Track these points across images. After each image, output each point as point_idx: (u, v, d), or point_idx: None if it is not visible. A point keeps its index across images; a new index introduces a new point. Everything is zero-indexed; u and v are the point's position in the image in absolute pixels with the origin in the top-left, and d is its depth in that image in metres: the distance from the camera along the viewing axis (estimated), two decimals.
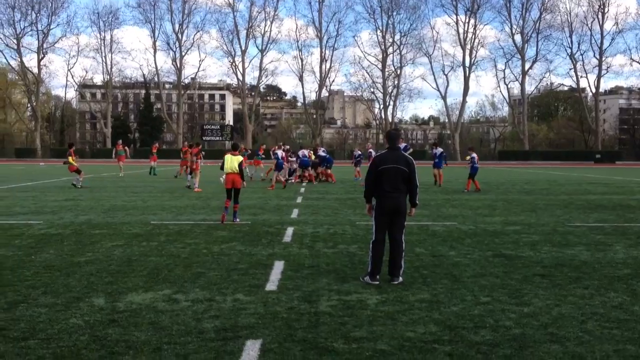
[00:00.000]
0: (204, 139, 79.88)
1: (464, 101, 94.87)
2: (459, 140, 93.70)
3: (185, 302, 6.55)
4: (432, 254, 9.63)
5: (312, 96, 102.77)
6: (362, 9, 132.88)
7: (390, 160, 7.72)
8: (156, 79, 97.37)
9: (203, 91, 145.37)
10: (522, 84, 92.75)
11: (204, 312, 6.13)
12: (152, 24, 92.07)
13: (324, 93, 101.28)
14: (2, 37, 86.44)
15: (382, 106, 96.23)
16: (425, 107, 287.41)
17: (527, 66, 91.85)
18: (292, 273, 8.10)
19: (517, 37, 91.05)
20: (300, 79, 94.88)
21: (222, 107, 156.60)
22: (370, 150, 35.05)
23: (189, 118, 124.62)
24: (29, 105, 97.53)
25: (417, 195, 7.98)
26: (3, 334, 5.42)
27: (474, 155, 24.59)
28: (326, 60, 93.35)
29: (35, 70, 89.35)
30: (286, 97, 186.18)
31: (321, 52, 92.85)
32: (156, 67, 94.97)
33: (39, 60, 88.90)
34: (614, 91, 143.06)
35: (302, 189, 24.22)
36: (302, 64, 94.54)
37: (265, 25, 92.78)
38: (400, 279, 7.63)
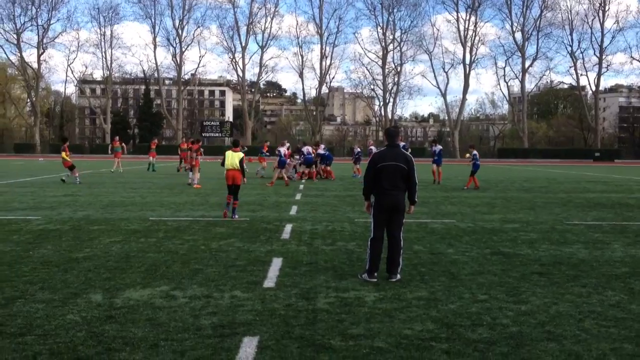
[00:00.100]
0: (203, 135, 79.84)
1: (463, 99, 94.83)
2: (459, 138, 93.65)
3: (183, 298, 6.55)
4: (430, 252, 9.63)
5: (312, 93, 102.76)
6: (363, 6, 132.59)
7: (389, 157, 7.71)
8: (156, 74, 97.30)
9: (203, 87, 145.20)
10: (522, 82, 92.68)
11: (202, 309, 6.13)
12: (153, 20, 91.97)
13: (324, 90, 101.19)
14: (2, 32, 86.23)
15: (382, 103, 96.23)
16: (425, 105, 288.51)
17: (527, 64, 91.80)
18: (290, 270, 8.10)
19: (518, 35, 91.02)
20: (301, 75, 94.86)
21: (222, 104, 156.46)
22: (372, 147, 34.96)
23: (188, 114, 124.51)
24: (28, 100, 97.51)
25: (416, 193, 7.97)
26: (0, 329, 5.42)
27: (476, 152, 24.59)
28: (326, 57, 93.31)
29: (35, 66, 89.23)
30: (286, 94, 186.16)
31: (321, 48, 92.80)
32: (156, 63, 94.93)
33: (39, 56, 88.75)
34: (614, 89, 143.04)
35: (301, 186, 24.22)
36: (302, 61, 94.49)
37: (266, 22, 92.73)
38: (398, 276, 7.63)
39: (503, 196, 20.61)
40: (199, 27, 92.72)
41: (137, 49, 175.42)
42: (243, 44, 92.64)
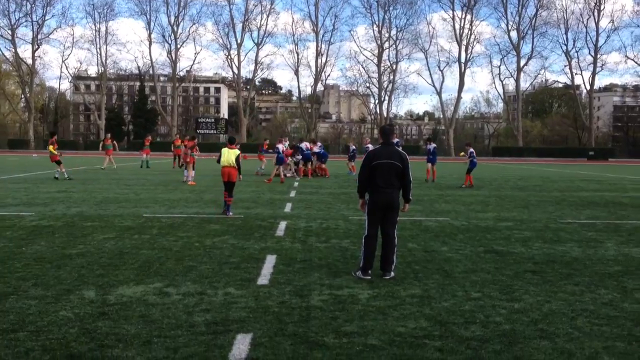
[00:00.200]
0: (198, 132, 79.79)
1: (459, 97, 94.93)
2: (454, 136, 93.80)
3: (177, 295, 6.54)
4: (424, 249, 9.64)
5: (308, 90, 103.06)
6: (359, 4, 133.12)
7: (384, 155, 7.72)
8: (151, 71, 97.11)
9: (198, 84, 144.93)
10: (517, 81, 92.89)
11: (195, 306, 6.12)
12: (148, 16, 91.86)
13: (320, 87, 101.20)
14: None
15: (377, 101, 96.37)
16: (421, 103, 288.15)
17: (522, 63, 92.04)
18: (284, 267, 8.10)
19: (513, 34, 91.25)
20: (296, 73, 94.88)
21: (217, 101, 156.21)
22: (368, 145, 34.92)
23: (183, 111, 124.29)
24: (22, 96, 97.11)
25: (411, 191, 7.97)
26: None
27: (472, 150, 24.64)
28: (322, 55, 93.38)
29: (30, 61, 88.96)
30: (281, 91, 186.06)
31: (317, 46, 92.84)
32: (151, 60, 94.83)
33: (34, 51, 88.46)
34: (608, 89, 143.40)
35: (296, 184, 24.21)
36: (297, 58, 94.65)
37: (262, 19, 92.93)
38: (392, 274, 7.63)
39: (497, 194, 20.64)
40: (194, 23, 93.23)
41: (132, 46, 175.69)
42: (238, 41, 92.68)
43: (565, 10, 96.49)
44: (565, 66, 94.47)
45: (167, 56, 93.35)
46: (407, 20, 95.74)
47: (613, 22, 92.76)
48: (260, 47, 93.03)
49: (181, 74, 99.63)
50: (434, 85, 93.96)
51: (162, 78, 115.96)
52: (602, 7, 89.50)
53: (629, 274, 8.13)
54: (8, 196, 17.00)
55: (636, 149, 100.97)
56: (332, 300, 6.45)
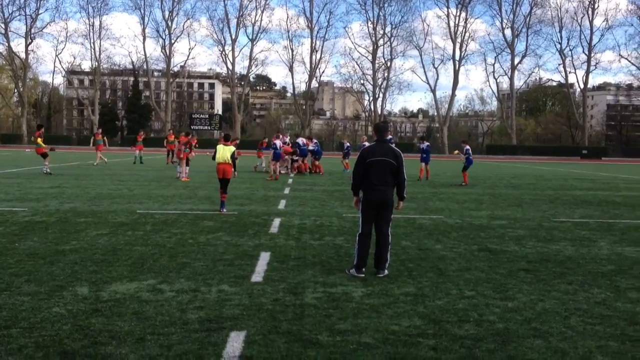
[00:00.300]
0: (192, 128, 79.55)
1: (453, 95, 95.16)
2: (448, 134, 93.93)
3: (170, 292, 6.52)
4: (418, 247, 9.64)
5: (302, 87, 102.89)
6: (354, 0, 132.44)
7: (378, 152, 7.71)
8: (145, 66, 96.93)
9: (192, 80, 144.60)
10: (511, 79, 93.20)
11: (189, 303, 6.10)
12: (142, 11, 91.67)
13: (314, 84, 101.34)
14: None
15: (371, 98, 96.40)
16: (415, 100, 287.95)
17: (516, 61, 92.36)
18: (278, 264, 8.09)
19: (507, 32, 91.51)
20: (290, 69, 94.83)
21: (211, 96, 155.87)
22: (365, 143, 34.93)
23: (177, 106, 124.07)
24: (15, 90, 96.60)
25: (405, 189, 7.97)
26: None
27: (468, 147, 24.67)
28: (316, 51, 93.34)
29: (23, 56, 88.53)
30: (276, 88, 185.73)
31: (312, 42, 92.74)
32: (145, 55, 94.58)
33: (27, 46, 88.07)
34: (602, 87, 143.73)
35: (290, 180, 24.19)
36: (292, 54, 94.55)
37: (256, 15, 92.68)
38: (386, 272, 7.63)
39: (491, 193, 20.68)
40: (188, 18, 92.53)
41: (126, 40, 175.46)
42: (233, 37, 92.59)
43: (560, 8, 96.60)
44: (559, 64, 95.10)
45: (161, 51, 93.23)
46: (401, 17, 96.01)
47: (607, 20, 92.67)
48: (254, 43, 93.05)
49: (175, 69, 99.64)
50: (428, 83, 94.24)
51: (156, 73, 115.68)
52: (596, 5, 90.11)
53: (622, 273, 8.16)
54: (1, 191, 16.92)
55: (629, 148, 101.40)
56: (326, 298, 6.44)
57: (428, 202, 17.01)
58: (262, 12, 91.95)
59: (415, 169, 27.57)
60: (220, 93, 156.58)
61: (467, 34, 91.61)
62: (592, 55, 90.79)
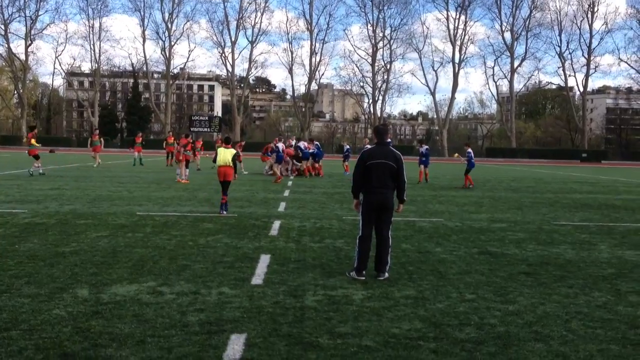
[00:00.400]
0: (192, 130, 79.47)
1: (452, 97, 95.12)
2: (447, 137, 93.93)
3: (170, 294, 6.51)
4: (418, 250, 9.64)
5: (302, 89, 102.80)
6: (353, 3, 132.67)
7: (378, 155, 7.70)
8: (145, 68, 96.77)
9: (192, 82, 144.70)
10: (511, 82, 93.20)
11: (189, 305, 6.09)
12: (142, 13, 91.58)
13: (314, 86, 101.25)
14: None
15: (371, 101, 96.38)
16: (414, 103, 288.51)
17: (516, 64, 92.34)
18: (278, 267, 8.08)
19: (507, 35, 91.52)
20: (290, 71, 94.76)
21: (211, 98, 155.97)
22: (367, 146, 34.86)
23: (177, 108, 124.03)
24: (15, 92, 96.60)
25: (405, 191, 7.96)
26: None
27: (470, 150, 24.64)
28: (316, 54, 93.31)
29: (23, 57, 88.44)
30: (275, 90, 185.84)
31: (311, 45, 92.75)
32: (145, 57, 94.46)
33: (27, 47, 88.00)
34: (602, 90, 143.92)
35: (290, 183, 24.19)
36: (292, 57, 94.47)
37: (256, 17, 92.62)
38: (386, 274, 7.63)
39: (491, 195, 20.68)
40: (188, 20, 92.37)
41: (126, 42, 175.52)
42: (233, 39, 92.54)
43: (559, 11, 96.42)
44: (558, 68, 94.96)
45: (161, 53, 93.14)
46: (401, 20, 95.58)
47: (607, 24, 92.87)
48: (254, 45, 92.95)
49: (175, 71, 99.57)
50: (427, 86, 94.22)
51: (155, 75, 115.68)
52: (595, 9, 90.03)
53: (622, 276, 8.15)
54: (0, 193, 16.91)
55: (629, 151, 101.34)
56: (326, 301, 6.43)
57: (428, 204, 17.00)
58: (262, 14, 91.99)
59: (414, 172, 27.57)
60: (219, 95, 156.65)
61: (466, 37, 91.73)
62: (592, 58, 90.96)
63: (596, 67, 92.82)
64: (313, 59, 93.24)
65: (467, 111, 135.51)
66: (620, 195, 22.60)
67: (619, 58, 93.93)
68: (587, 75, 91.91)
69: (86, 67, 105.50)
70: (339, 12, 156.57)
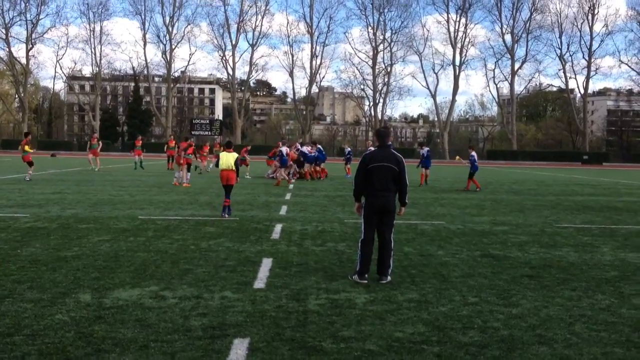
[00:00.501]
0: (193, 133, 79.50)
1: (453, 100, 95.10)
2: (448, 139, 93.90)
3: (173, 299, 6.50)
4: (420, 253, 9.62)
5: (302, 92, 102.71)
6: (354, 5, 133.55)
7: (380, 158, 7.70)
8: (146, 71, 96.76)
9: (193, 85, 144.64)
10: (512, 84, 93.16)
11: (192, 310, 6.08)
12: (143, 16, 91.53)
13: (314, 89, 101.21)
14: None
15: (371, 103, 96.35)
16: (415, 105, 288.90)
17: (516, 66, 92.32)
18: (280, 271, 8.07)
19: (507, 37, 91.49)
20: (291, 74, 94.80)
21: (212, 102, 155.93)
22: (370, 148, 34.83)
23: (178, 112, 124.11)
24: (16, 96, 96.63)
25: (407, 194, 7.95)
26: None
27: (474, 153, 24.62)
28: (317, 56, 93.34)
29: (24, 61, 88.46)
30: (276, 93, 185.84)
31: (312, 47, 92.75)
32: (146, 60, 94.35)
33: (28, 51, 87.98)
34: (602, 93, 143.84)
35: (291, 186, 24.19)
36: (292, 60, 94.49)
37: (256, 20, 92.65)
38: (389, 278, 7.61)
39: (492, 198, 20.66)
40: (189, 24, 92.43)
41: (127, 46, 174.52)
42: (233, 42, 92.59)
43: (560, 14, 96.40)
44: (559, 70, 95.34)
45: (162, 57, 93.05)
46: (401, 22, 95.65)
47: (607, 26, 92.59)
48: (255, 48, 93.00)
49: (176, 74, 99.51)
50: (428, 88, 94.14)
51: (156, 79, 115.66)
52: (596, 11, 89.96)
53: (625, 279, 8.14)
54: (2, 197, 16.91)
55: (630, 153, 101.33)
56: (329, 305, 6.42)
57: (430, 207, 16.99)
58: (262, 17, 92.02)
59: (415, 175, 27.56)
60: (220, 98, 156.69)
61: (467, 40, 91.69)
62: (592, 60, 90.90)
63: (597, 69, 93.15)
64: (314, 62, 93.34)
65: (468, 114, 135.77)
66: (622, 198, 22.58)
67: (620, 60, 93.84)
68: (587, 77, 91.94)
69: (87, 71, 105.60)
70: (340, 15, 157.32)
